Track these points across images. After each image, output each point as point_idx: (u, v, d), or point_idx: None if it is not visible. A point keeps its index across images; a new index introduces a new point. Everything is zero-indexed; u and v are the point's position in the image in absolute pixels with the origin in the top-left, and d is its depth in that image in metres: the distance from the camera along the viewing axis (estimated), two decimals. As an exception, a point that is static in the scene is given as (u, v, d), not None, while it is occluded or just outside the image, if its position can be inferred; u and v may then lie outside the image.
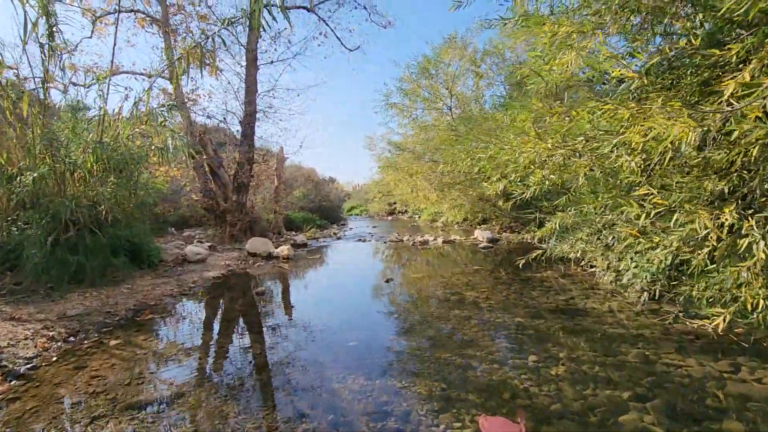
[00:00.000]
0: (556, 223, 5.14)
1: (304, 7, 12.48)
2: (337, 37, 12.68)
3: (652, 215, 3.22)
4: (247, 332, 4.11)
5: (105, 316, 4.41)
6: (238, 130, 11.97)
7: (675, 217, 3.05)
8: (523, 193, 4.70)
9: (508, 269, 6.85)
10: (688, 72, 3.37)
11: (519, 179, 4.96)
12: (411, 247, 10.40)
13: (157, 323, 4.32)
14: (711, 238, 2.90)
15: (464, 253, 8.87)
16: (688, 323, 3.77)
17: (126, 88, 13.59)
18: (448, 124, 13.29)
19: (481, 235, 10.74)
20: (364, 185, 58.64)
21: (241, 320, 4.55)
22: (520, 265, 7.18)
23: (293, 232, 16.14)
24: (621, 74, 3.14)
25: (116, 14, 9.44)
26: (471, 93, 12.96)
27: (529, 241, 10.52)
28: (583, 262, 6.48)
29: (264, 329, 4.17)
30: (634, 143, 3.00)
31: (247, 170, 11.78)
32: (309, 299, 5.38)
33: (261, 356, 3.35)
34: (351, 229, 19.08)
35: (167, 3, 11.50)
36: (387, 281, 6.13)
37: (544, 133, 3.98)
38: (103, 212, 5.81)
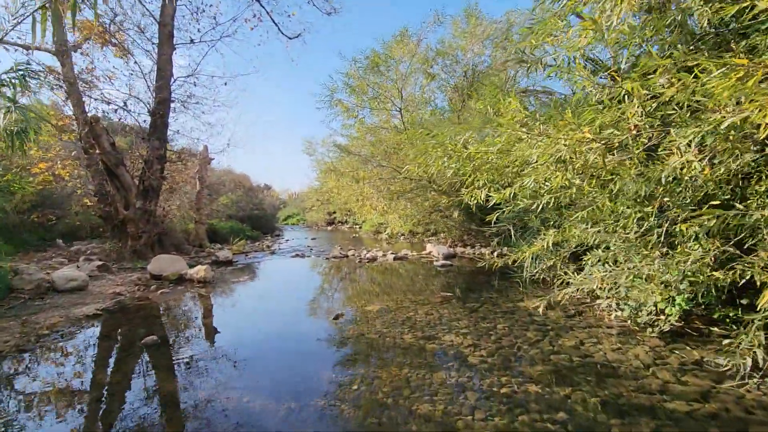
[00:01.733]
0: (548, 242, 4.06)
1: (234, -17, 10.67)
2: (274, 22, 10.98)
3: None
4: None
5: None
6: (146, 121, 9.73)
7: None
8: (533, 203, 3.51)
9: (480, 296, 5.68)
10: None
11: (515, 185, 3.80)
12: (358, 265, 8.95)
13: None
14: None
15: (422, 274, 7.63)
16: None
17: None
18: (394, 128, 12.15)
19: (436, 250, 9.62)
20: (301, 193, 56.17)
21: (98, 408, 2.79)
22: (496, 288, 6.16)
23: (218, 245, 13.93)
24: None
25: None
26: (421, 95, 11.97)
27: (489, 256, 9.59)
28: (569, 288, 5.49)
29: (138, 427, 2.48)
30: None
31: (157, 170, 9.58)
32: (224, 357, 3.70)
33: None
34: (287, 240, 17.14)
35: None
36: (335, 318, 4.62)
37: (572, 123, 2.81)
38: None
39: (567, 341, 3.81)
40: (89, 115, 8.64)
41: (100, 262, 7.94)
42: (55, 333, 4.25)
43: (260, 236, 17.50)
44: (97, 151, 8.52)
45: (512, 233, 5.98)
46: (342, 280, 7.40)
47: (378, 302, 5.38)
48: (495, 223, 7.42)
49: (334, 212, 29.04)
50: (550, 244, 4.15)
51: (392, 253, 9.87)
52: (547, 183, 3.20)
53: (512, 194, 3.72)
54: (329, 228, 28.08)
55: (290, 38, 11.44)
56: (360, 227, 26.10)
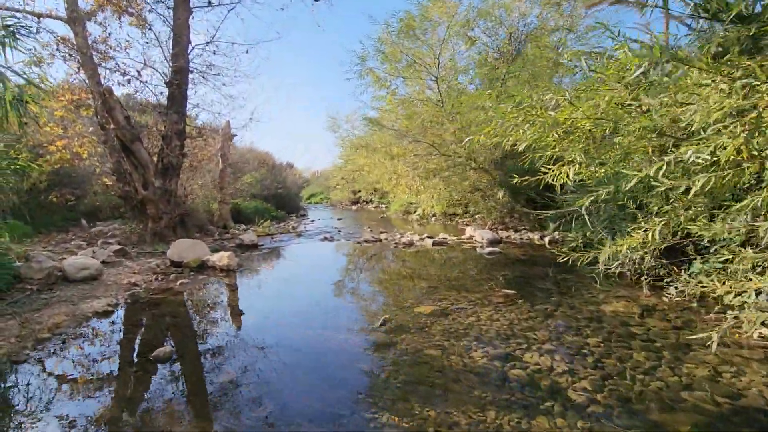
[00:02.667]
0: (654, 233, 3.07)
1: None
2: (299, -19, 9.92)
3: None
4: None
5: None
6: (162, 93, 9.01)
7: None
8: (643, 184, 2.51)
9: (549, 295, 4.76)
10: None
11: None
12: (393, 250, 8.13)
13: None
14: None
15: (470, 263, 6.74)
16: None
17: None
18: (428, 100, 11.03)
19: (478, 234, 8.68)
20: (323, 171, 55.66)
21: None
22: (563, 284, 5.22)
23: (242, 226, 13.40)
24: None
25: None
26: (463, 63, 10.73)
27: (538, 242, 8.59)
28: (665, 283, 4.50)
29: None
30: None
31: (177, 147, 8.90)
32: (252, 375, 2.96)
33: None
34: (312, 221, 16.50)
35: None
36: (382, 325, 3.82)
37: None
38: None
39: (695, 369, 2.88)
40: (103, 87, 7.96)
41: (118, 247, 7.40)
42: (56, 336, 3.62)
43: (285, 216, 16.92)
44: (112, 126, 7.86)
45: (583, 218, 4.95)
46: (380, 271, 6.60)
47: (429, 301, 4.54)
48: (559, 206, 6.42)
49: (359, 191, 28.26)
50: (656, 236, 3.18)
51: (429, 237, 8.98)
52: (709, 155, 2.19)
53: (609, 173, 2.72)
54: (354, 207, 27.37)
55: (315, 0, 10.39)
56: (386, 207, 25.26)
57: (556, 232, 8.65)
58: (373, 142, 10.17)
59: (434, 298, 4.69)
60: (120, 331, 3.92)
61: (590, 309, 4.21)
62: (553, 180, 3.53)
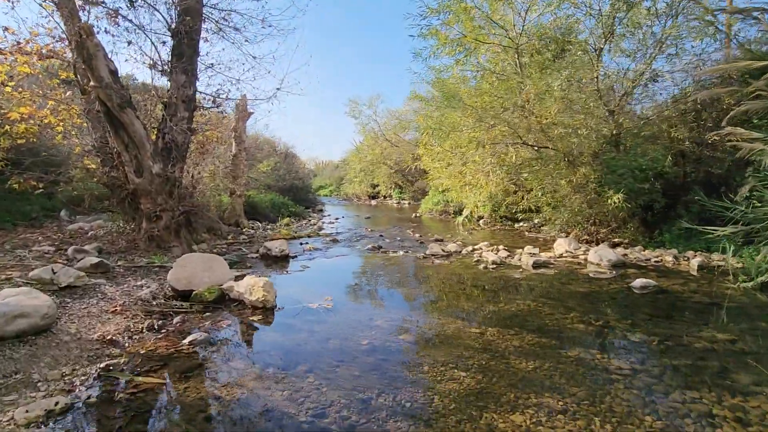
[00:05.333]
0: None
1: None
2: None
3: None
4: None
5: None
6: (165, 43, 6.54)
7: None
8: None
9: None
10: None
11: None
12: (492, 277, 5.73)
13: None
14: None
15: (624, 307, 4.38)
16: None
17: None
18: (501, 73, 8.59)
19: (595, 254, 6.32)
20: (329, 162, 53.16)
21: None
22: None
23: (257, 223, 11.02)
24: None
25: None
26: (559, 26, 8.14)
27: (673, 266, 6.21)
28: None
29: None
30: None
31: (184, 119, 6.50)
32: None
33: None
34: (337, 219, 14.10)
35: None
36: None
37: None
38: None
39: None
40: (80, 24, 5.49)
41: (96, 260, 5.01)
42: None
43: (304, 212, 14.51)
44: (91, 83, 5.42)
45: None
46: (490, 315, 4.22)
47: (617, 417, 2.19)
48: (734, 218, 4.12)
49: (377, 185, 25.83)
50: None
51: (530, 255, 6.60)
52: None
53: None
54: (373, 203, 24.89)
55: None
56: (407, 203, 22.84)
57: (715, 255, 6.31)
58: (453, 124, 7.66)
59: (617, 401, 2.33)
60: None
61: None
62: None
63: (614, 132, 8.04)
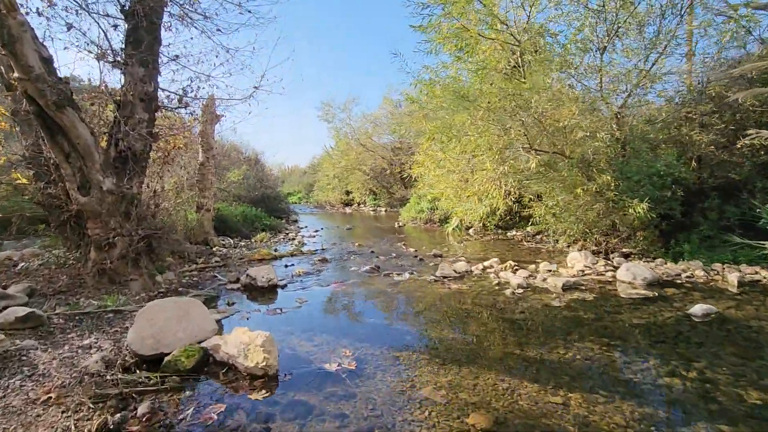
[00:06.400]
0: None
1: None
2: None
3: None
4: None
5: None
6: (117, 27, 5.27)
7: None
8: None
9: None
10: None
11: None
12: (516, 302, 4.93)
13: None
14: None
15: (695, 348, 3.66)
16: None
17: None
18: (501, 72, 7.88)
19: (627, 272, 5.66)
20: (295, 167, 51.44)
21: None
22: None
23: (228, 240, 9.77)
24: None
25: None
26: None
27: (709, 283, 5.66)
28: None
29: None
30: None
31: (144, 122, 5.26)
32: None
33: None
34: (316, 232, 12.94)
35: None
36: None
37: None
38: None
39: None
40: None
41: (23, 311, 3.71)
42: None
43: (279, 224, 13.23)
44: (15, 75, 4.11)
45: None
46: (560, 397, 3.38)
47: None
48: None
49: (351, 192, 24.74)
50: None
51: (551, 273, 5.85)
52: None
53: None
54: (348, 210, 23.74)
55: None
56: (384, 210, 21.88)
57: (746, 268, 5.81)
58: (460, 125, 6.79)
59: None
60: None
61: None
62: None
63: (619, 136, 7.53)
